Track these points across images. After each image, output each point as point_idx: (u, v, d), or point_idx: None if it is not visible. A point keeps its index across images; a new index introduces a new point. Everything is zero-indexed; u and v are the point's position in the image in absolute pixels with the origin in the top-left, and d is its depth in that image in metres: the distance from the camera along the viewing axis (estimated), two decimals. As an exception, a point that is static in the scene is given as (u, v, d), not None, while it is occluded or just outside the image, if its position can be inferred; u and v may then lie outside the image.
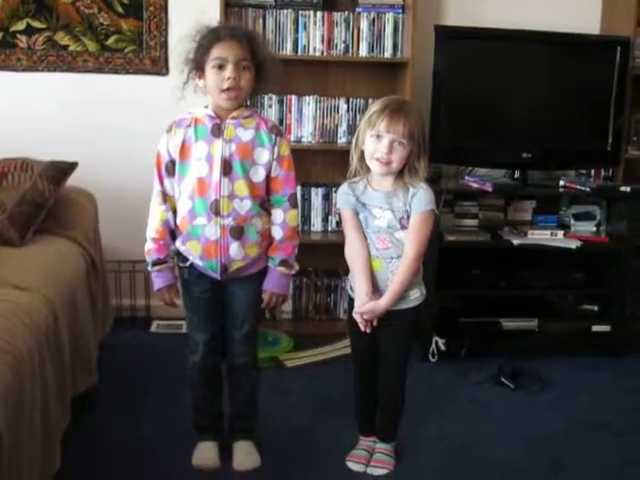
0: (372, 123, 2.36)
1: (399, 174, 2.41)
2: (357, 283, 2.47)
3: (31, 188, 3.12)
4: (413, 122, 2.35)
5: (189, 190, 2.37)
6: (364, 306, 2.43)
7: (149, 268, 2.47)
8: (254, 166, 2.37)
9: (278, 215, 2.45)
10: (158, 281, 2.46)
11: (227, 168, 2.33)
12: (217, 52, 2.27)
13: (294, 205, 2.47)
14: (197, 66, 2.32)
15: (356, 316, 2.47)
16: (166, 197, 2.42)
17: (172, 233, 2.45)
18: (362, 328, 2.47)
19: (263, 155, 2.38)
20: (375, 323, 2.47)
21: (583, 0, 3.92)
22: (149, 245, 2.45)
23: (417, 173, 2.39)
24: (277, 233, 2.45)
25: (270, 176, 2.41)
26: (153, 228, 2.44)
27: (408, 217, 2.41)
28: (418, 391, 3.02)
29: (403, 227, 2.41)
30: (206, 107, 2.38)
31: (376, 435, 2.68)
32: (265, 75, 2.36)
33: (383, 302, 2.43)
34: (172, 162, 2.39)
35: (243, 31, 2.37)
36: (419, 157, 2.39)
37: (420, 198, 2.40)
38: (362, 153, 2.43)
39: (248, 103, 2.44)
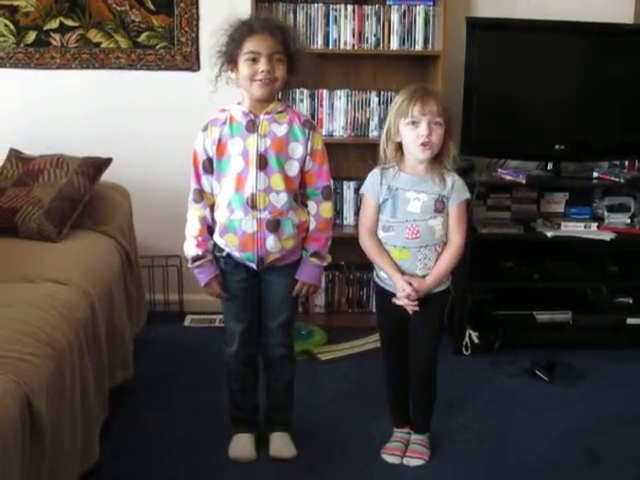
0: (404, 112, 2.37)
1: (432, 159, 2.42)
2: (390, 272, 2.47)
3: (67, 184, 3.17)
4: (441, 101, 2.39)
5: (227, 186, 2.39)
6: (412, 284, 2.42)
7: (189, 265, 2.50)
8: (289, 160, 2.39)
9: (312, 207, 2.47)
10: (202, 276, 2.48)
11: (263, 162, 2.35)
12: (250, 45, 2.27)
13: (327, 197, 2.48)
14: (230, 60, 2.32)
15: (400, 301, 2.46)
16: (203, 194, 2.44)
17: (210, 229, 2.47)
18: (411, 311, 2.46)
19: (297, 150, 2.39)
20: (416, 306, 2.46)
21: (617, -11, 3.87)
22: (189, 242, 2.48)
23: (450, 152, 2.42)
24: (311, 224, 2.47)
25: (304, 170, 2.43)
26: (192, 225, 2.46)
27: (442, 202, 2.42)
28: (452, 384, 3.02)
29: (437, 211, 2.42)
30: (239, 103, 2.40)
31: (410, 426, 2.69)
32: (298, 67, 2.37)
33: (429, 281, 2.45)
34: (209, 160, 2.40)
35: (276, 23, 2.37)
36: (451, 136, 2.43)
37: (460, 186, 2.45)
38: (395, 145, 2.44)
39: (280, 97, 2.45)
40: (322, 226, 2.48)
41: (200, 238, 2.46)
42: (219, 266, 2.50)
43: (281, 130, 2.37)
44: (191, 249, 2.47)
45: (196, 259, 2.47)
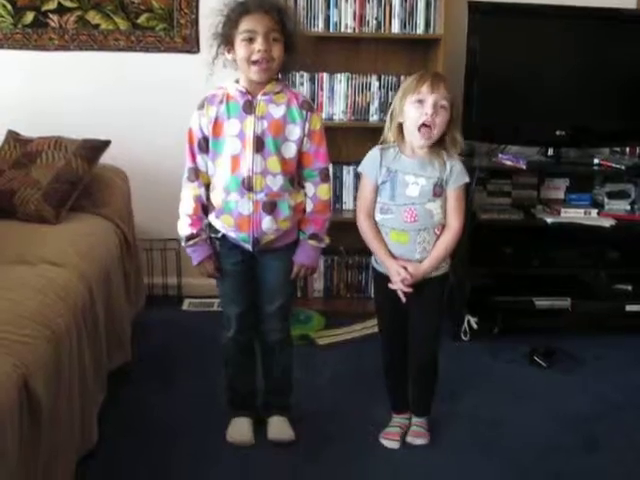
0: (412, 89, 2.36)
1: (434, 144, 2.40)
2: (383, 258, 2.47)
3: (65, 166, 3.15)
4: (450, 88, 2.38)
5: (223, 167, 2.37)
6: (407, 269, 2.42)
7: (183, 244, 2.48)
8: (285, 142, 2.37)
9: (309, 189, 2.46)
10: (195, 255, 2.47)
11: (259, 145, 2.33)
12: (246, 25, 2.25)
13: (325, 179, 2.47)
14: (226, 40, 2.30)
15: (395, 285, 2.46)
16: (198, 173, 2.42)
17: (204, 208, 2.46)
18: (403, 298, 2.46)
19: (294, 131, 2.37)
20: (411, 290, 2.45)
21: (619, -26, 3.84)
22: (183, 220, 2.46)
23: (457, 143, 2.41)
24: (308, 206, 2.46)
25: (301, 151, 2.41)
26: (186, 204, 2.45)
27: (441, 186, 2.41)
28: (450, 370, 3.01)
29: (435, 195, 2.41)
30: (237, 82, 2.37)
31: (411, 409, 2.69)
32: (295, 48, 2.34)
33: (425, 265, 2.45)
34: (205, 139, 2.38)
35: (272, 3, 2.32)
36: (457, 126, 2.42)
37: (459, 171, 2.44)
38: (399, 126, 2.42)
39: (279, 77, 2.42)
40: (320, 208, 2.47)
41: (194, 217, 2.44)
42: (214, 248, 2.48)
43: (278, 112, 2.35)
44: (185, 228, 2.45)
45: (190, 238, 2.45)
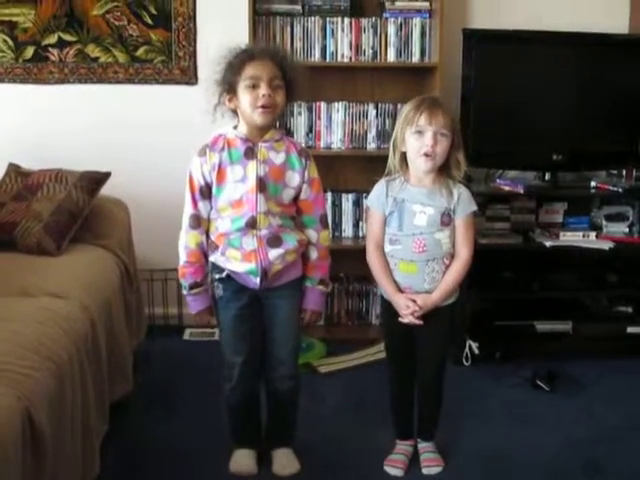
0: (410, 120, 2.38)
1: (439, 171, 2.42)
2: (390, 293, 2.48)
3: (66, 198, 3.17)
4: (449, 113, 2.39)
5: (226, 211, 2.37)
6: (417, 301, 2.42)
7: (185, 292, 2.46)
8: (285, 188, 2.39)
9: (312, 236, 2.47)
10: (195, 305, 2.47)
11: (262, 186, 2.34)
12: (250, 71, 2.27)
13: (326, 225, 2.51)
14: (229, 87, 2.31)
15: (405, 319, 2.46)
16: (200, 220, 2.41)
17: (205, 255, 2.45)
18: (417, 323, 2.45)
19: (294, 178, 2.40)
20: (421, 323, 2.45)
21: (612, 0, 3.89)
22: (185, 269, 2.44)
23: (460, 166, 2.42)
24: (312, 253, 2.48)
25: (300, 198, 2.43)
26: (188, 252, 2.43)
27: (449, 215, 2.42)
28: (452, 395, 2.99)
29: (443, 224, 2.41)
30: (235, 128, 2.39)
31: (418, 435, 2.68)
32: (294, 95, 2.39)
33: (435, 296, 2.45)
34: (207, 186, 2.38)
35: (275, 50, 2.40)
36: (459, 148, 2.42)
37: (466, 199, 2.45)
38: (402, 155, 2.45)
39: (278, 125, 2.45)
40: (323, 254, 2.50)
41: (197, 265, 2.43)
42: (217, 293, 2.47)
43: (279, 158, 2.37)
44: (188, 276, 2.44)
45: (194, 286, 2.44)
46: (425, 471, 2.59)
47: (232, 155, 2.35)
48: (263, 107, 2.27)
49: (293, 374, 2.56)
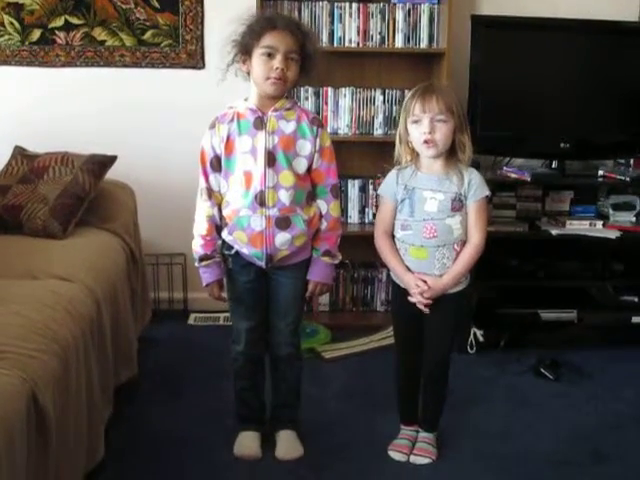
0: (408, 110, 2.39)
1: (449, 156, 2.41)
2: (401, 273, 2.48)
3: (72, 181, 3.17)
4: (446, 97, 2.37)
5: (235, 183, 2.38)
6: (427, 283, 2.42)
7: (196, 264, 2.48)
8: (297, 158, 2.38)
9: (322, 206, 2.46)
10: (206, 276, 2.48)
11: (271, 160, 2.34)
12: (269, 40, 2.26)
13: (336, 196, 2.48)
14: (245, 50, 2.31)
15: (414, 298, 2.46)
16: (211, 193, 2.43)
17: (218, 228, 2.47)
18: (425, 310, 2.46)
19: (305, 147, 2.39)
20: (430, 302, 2.45)
21: (621, -12, 3.87)
22: (196, 241, 2.46)
23: (464, 147, 2.40)
24: (322, 224, 2.47)
25: (312, 167, 2.42)
26: (200, 224, 2.45)
27: (460, 200, 2.41)
28: (457, 382, 3.00)
29: (454, 210, 2.41)
30: (246, 100, 2.39)
31: (419, 424, 2.68)
32: (309, 71, 2.37)
33: (445, 280, 2.44)
34: (217, 158, 2.39)
35: (298, 24, 2.38)
36: (463, 131, 2.40)
37: (478, 184, 2.43)
38: (409, 144, 2.45)
39: (288, 94, 2.44)
40: (332, 225, 2.48)
41: (208, 237, 2.45)
42: (227, 265, 2.49)
43: (289, 127, 2.36)
44: (199, 248, 2.46)
45: (203, 259, 2.46)
46: (412, 459, 2.58)
47: (241, 126, 2.35)
48: (274, 79, 2.27)
49: (292, 342, 2.58)
